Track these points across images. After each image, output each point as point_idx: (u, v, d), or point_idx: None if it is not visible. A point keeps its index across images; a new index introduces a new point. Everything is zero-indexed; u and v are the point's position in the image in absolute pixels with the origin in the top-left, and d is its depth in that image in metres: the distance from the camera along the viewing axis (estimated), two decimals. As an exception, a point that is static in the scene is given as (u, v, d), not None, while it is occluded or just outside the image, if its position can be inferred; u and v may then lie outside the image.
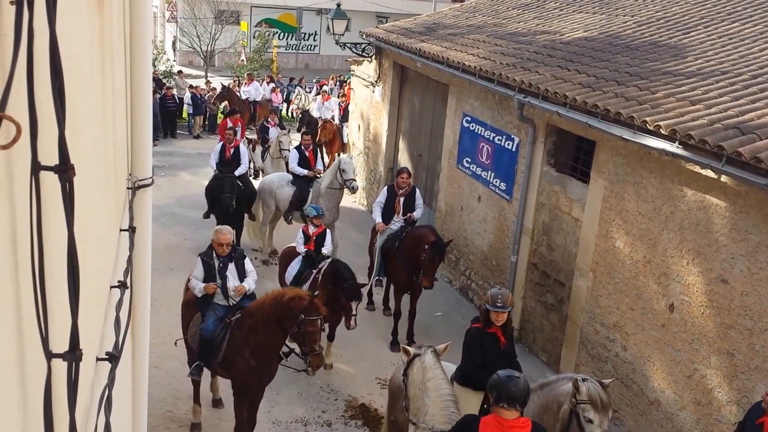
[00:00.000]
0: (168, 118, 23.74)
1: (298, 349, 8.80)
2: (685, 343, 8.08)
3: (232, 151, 13.60)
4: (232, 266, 8.45)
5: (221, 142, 13.99)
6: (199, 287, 8.32)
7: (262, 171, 16.65)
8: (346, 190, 13.22)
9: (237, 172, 13.39)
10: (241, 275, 8.50)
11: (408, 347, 7.12)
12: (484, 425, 5.20)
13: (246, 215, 13.94)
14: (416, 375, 6.69)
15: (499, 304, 6.97)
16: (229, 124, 17.38)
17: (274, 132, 17.30)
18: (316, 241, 10.51)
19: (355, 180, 13.13)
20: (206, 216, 13.93)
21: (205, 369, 8.66)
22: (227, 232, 8.58)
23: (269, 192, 13.92)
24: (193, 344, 8.44)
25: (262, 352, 7.88)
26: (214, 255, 8.42)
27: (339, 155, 19.53)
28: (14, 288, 1.42)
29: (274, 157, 16.07)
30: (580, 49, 11.45)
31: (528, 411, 6.35)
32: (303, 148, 14.00)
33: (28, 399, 1.54)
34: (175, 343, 8.95)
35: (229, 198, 12.97)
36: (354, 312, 9.43)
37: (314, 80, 29.90)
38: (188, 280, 9.17)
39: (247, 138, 18.03)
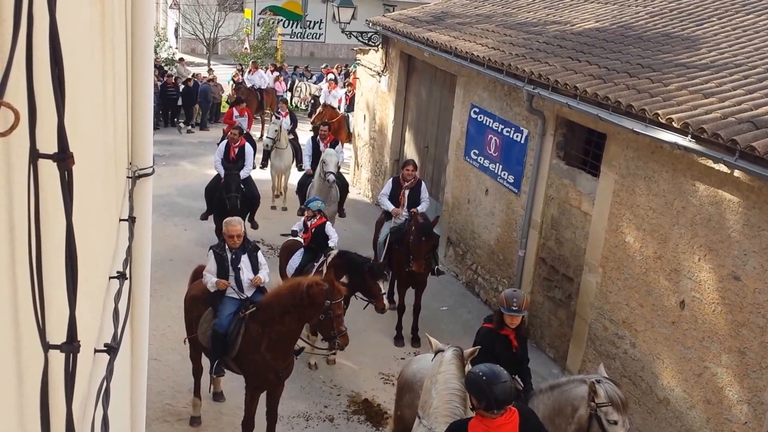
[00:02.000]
0: (169, 107, 23.59)
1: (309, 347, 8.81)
2: (696, 341, 7.97)
3: (236, 150, 12.99)
4: (245, 258, 8.33)
5: (225, 141, 13.37)
6: (211, 282, 8.16)
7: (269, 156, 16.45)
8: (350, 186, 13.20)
9: (242, 174, 12.80)
10: (255, 267, 8.38)
11: (432, 339, 6.85)
12: (472, 429, 5.06)
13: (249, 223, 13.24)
14: (432, 368, 6.55)
15: (514, 308, 6.79)
16: (236, 114, 17.19)
17: (285, 122, 16.97)
18: (314, 232, 10.32)
19: (332, 173, 12.93)
20: (204, 217, 13.45)
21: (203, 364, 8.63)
22: (237, 223, 8.41)
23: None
24: (204, 341, 8.26)
25: (279, 345, 7.78)
26: (227, 247, 8.28)
27: (342, 146, 19.40)
28: (11, 278, 1.41)
29: (266, 148, 15.91)
30: (591, 40, 11.31)
31: (538, 413, 6.26)
32: (318, 138, 13.91)
33: (25, 391, 1.52)
34: (185, 341, 8.76)
35: (235, 198, 12.46)
36: (383, 291, 9.46)
37: (323, 66, 29.61)
38: (192, 275, 9.08)
39: (276, 110, 17.95)
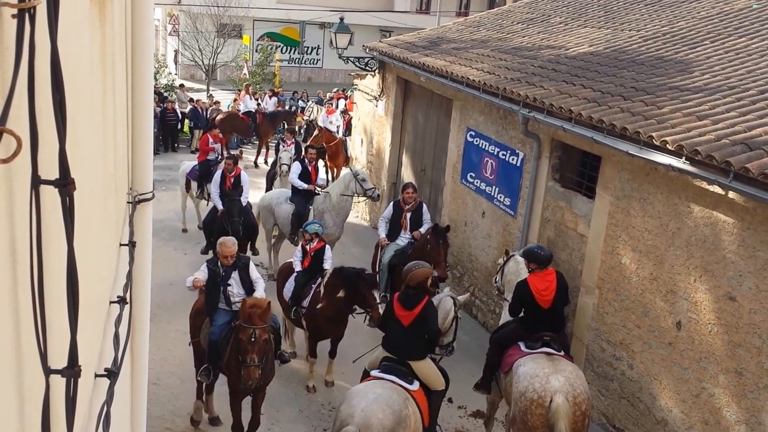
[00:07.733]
0: (168, 132, 23.74)
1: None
2: (693, 362, 7.98)
3: (232, 180, 12.83)
4: (235, 274, 8.68)
5: (220, 171, 13.11)
6: (189, 280, 8.68)
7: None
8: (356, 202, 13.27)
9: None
10: (245, 283, 8.70)
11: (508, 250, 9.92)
12: (531, 280, 8.61)
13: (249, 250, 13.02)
14: (511, 266, 9.68)
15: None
16: (210, 141, 16.87)
17: (290, 152, 16.88)
18: (313, 257, 10.33)
19: (375, 188, 13.19)
20: (205, 251, 13.21)
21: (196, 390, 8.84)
22: (232, 245, 8.70)
23: (268, 208, 13.51)
24: (205, 345, 8.68)
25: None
26: (219, 264, 8.66)
27: (339, 170, 19.44)
28: (13, 303, 1.41)
29: (281, 176, 15.88)
30: (586, 64, 11.39)
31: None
32: (306, 161, 13.73)
33: (26, 416, 1.53)
34: (189, 344, 9.11)
35: (238, 223, 12.15)
36: (378, 301, 9.46)
37: (334, 91, 29.55)
38: (199, 292, 9.29)
39: (281, 138, 18.62)
